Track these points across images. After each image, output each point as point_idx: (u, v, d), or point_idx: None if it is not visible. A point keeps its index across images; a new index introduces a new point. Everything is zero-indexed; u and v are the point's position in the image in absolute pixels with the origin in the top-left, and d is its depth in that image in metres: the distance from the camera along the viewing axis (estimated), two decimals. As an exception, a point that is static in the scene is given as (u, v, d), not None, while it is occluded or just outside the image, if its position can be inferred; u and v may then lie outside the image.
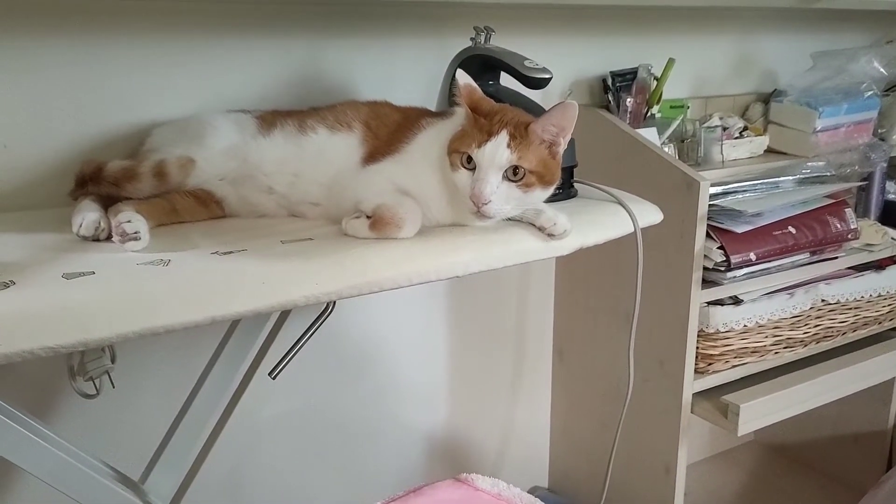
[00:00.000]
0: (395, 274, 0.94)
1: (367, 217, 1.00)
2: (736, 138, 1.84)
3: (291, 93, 1.38)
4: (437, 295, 1.70)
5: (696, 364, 1.56)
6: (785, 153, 1.89)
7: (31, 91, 1.18)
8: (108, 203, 1.04)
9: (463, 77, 1.03)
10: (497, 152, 0.96)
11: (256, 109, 1.23)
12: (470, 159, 0.98)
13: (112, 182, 1.05)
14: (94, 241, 0.98)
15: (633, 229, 1.20)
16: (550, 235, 1.05)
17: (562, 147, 1.01)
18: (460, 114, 1.09)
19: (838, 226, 1.65)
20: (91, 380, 0.97)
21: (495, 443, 1.89)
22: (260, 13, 1.33)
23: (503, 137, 0.97)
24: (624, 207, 1.20)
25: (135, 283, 0.83)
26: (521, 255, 1.05)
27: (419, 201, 1.02)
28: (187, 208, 1.08)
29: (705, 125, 1.79)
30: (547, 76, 1.22)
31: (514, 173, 0.98)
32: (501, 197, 0.97)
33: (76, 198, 1.08)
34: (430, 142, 1.07)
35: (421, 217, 1.01)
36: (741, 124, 1.87)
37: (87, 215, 0.98)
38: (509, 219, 1.05)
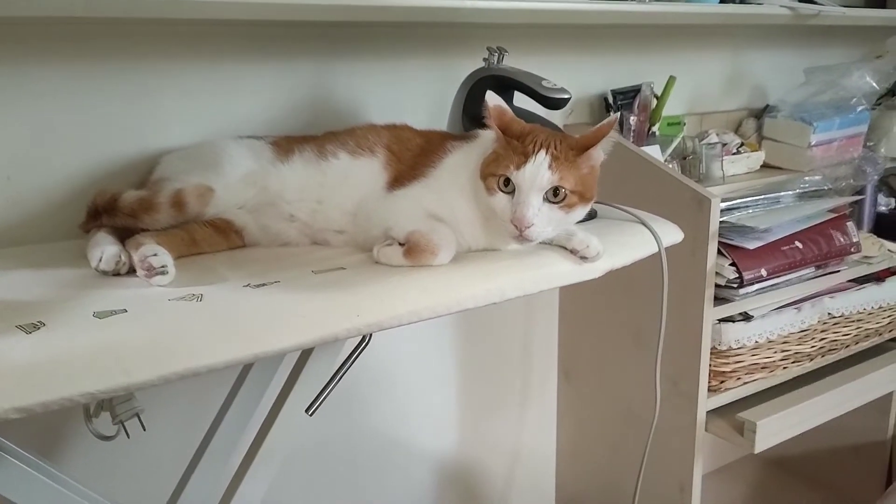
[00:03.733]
0: (433, 303, 0.91)
1: (400, 244, 0.97)
2: (734, 154, 1.85)
3: (299, 116, 1.35)
4: (444, 318, 1.67)
5: (709, 382, 1.55)
6: (780, 168, 1.90)
7: (34, 120, 1.13)
8: (123, 235, 1.00)
9: (493, 99, 1.01)
10: (538, 174, 0.94)
11: (268, 135, 1.20)
12: (507, 182, 0.96)
13: (128, 213, 1.00)
14: (114, 275, 0.93)
15: (656, 249, 1.19)
16: (583, 258, 1.03)
17: (599, 161, 1.00)
18: (484, 136, 1.08)
19: (841, 239, 1.66)
20: (121, 423, 0.92)
21: (503, 468, 1.86)
22: (265, 35, 1.30)
23: (542, 158, 0.95)
24: (647, 228, 1.19)
25: (171, 321, 0.79)
26: (555, 278, 1.03)
27: (452, 226, 1.00)
28: (206, 238, 1.04)
29: (704, 142, 1.80)
30: (566, 96, 1.21)
31: (554, 194, 0.96)
32: (543, 219, 0.95)
33: (88, 230, 1.04)
34: (458, 165, 1.04)
35: (455, 243, 0.98)
36: (738, 140, 1.89)
37: (107, 249, 0.94)
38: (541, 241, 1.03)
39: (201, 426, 1.22)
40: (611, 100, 1.70)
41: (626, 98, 1.71)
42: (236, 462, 1.09)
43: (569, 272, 1.03)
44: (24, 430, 1.17)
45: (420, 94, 1.48)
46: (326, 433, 1.55)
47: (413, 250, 0.95)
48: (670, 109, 1.85)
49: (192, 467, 1.15)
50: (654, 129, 1.75)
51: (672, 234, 1.23)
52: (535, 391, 1.85)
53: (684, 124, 1.84)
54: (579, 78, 1.73)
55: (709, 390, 1.56)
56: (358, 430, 1.60)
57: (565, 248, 1.04)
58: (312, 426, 1.51)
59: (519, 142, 0.98)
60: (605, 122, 0.98)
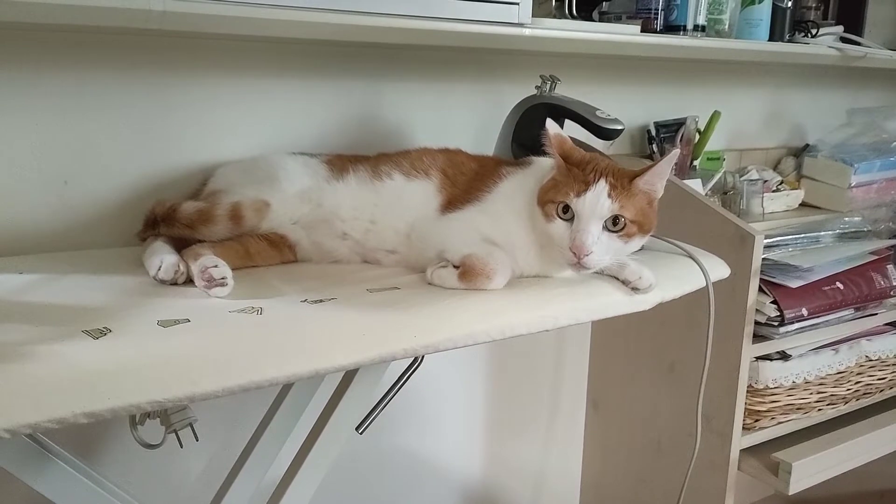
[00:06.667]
0: (488, 327, 0.91)
1: (454, 267, 0.97)
2: (773, 192, 1.85)
3: (348, 134, 1.36)
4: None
5: (743, 420, 1.53)
6: (819, 207, 1.90)
7: (93, 128, 1.15)
8: (178, 245, 1.01)
9: (553, 127, 1.01)
10: (598, 202, 0.94)
11: (320, 153, 1.20)
12: (566, 209, 0.96)
13: (186, 224, 1.01)
14: (171, 284, 0.94)
15: (704, 283, 1.18)
16: (635, 289, 1.03)
17: (659, 194, 1.00)
18: (539, 163, 1.08)
19: (881, 282, 1.65)
20: (175, 433, 0.92)
21: (527, 495, 1.84)
22: (320, 54, 1.32)
23: (602, 187, 0.95)
24: (696, 262, 1.19)
25: (234, 333, 0.80)
26: (608, 308, 1.02)
27: (506, 251, 1.00)
28: (260, 252, 1.05)
29: (744, 178, 1.80)
30: (619, 127, 1.21)
31: (613, 223, 0.96)
32: (602, 248, 0.95)
33: (144, 238, 1.05)
34: (514, 191, 1.04)
35: (510, 268, 0.98)
36: (778, 178, 1.88)
37: (166, 258, 0.95)
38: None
39: (241, 439, 1.22)
40: (653, 132, 1.71)
41: (668, 131, 1.71)
42: (274, 477, 1.09)
43: (621, 303, 1.03)
44: (65, 431, 1.17)
45: (466, 118, 1.49)
46: (354, 449, 1.54)
47: (468, 273, 0.95)
48: (709, 144, 1.85)
49: (231, 479, 1.15)
50: (695, 163, 1.75)
51: (719, 270, 1.22)
52: (563, 419, 1.84)
53: (724, 159, 1.85)
54: (621, 108, 1.71)
55: (742, 428, 1.54)
56: (385, 447, 1.60)
57: (617, 279, 1.04)
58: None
59: (579, 169, 0.98)
60: (667, 156, 0.98)
